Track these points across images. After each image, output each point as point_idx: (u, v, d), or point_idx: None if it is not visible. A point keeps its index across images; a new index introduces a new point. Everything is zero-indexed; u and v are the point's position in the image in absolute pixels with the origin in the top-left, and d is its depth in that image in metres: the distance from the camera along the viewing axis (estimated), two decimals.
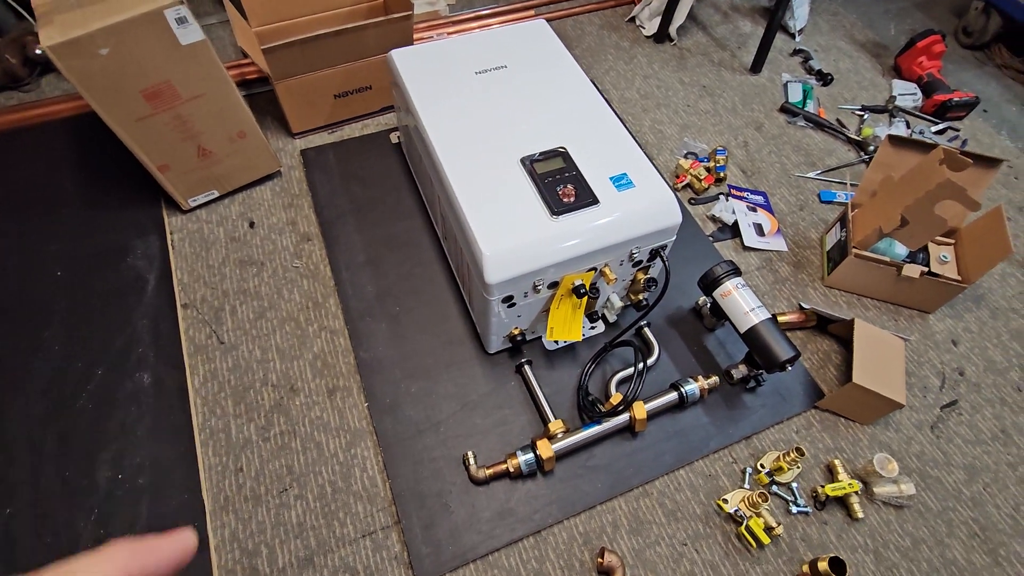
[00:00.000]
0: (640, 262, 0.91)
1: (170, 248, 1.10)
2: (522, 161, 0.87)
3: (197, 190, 1.13)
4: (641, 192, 0.85)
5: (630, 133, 0.93)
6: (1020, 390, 1.03)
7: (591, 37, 1.57)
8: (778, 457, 0.90)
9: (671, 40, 1.56)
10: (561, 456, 0.89)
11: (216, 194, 1.16)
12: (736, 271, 0.94)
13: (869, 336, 0.95)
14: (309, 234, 1.14)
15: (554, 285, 0.86)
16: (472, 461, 0.87)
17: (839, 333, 1.05)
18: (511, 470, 0.85)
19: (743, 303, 0.91)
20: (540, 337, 1.01)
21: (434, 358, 0.99)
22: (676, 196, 0.86)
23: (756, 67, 1.50)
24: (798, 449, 0.87)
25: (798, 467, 0.90)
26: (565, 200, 0.83)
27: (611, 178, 0.86)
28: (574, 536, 0.85)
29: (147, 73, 0.91)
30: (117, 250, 1.08)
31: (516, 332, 0.94)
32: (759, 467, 0.90)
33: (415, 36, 1.45)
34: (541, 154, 0.88)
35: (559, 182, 0.85)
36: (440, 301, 1.05)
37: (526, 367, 0.96)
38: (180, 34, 0.90)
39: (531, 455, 0.85)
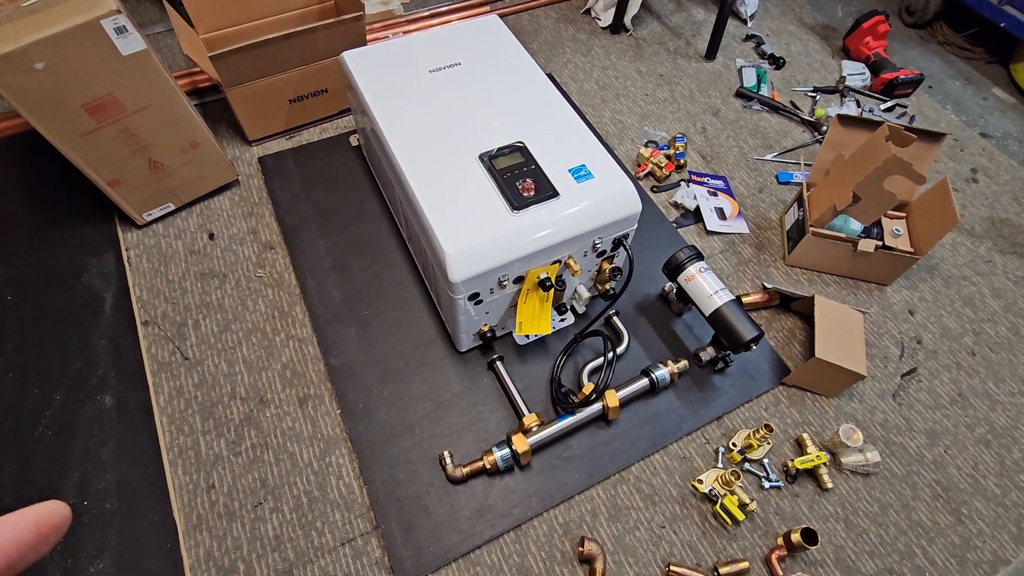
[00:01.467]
0: (604, 252, 0.92)
1: (126, 265, 1.07)
2: (480, 158, 0.87)
3: (151, 204, 1.10)
4: (600, 183, 0.86)
5: (588, 125, 0.94)
6: (974, 354, 1.07)
7: (548, 31, 1.58)
8: (748, 435, 0.92)
9: (627, 30, 1.58)
10: (537, 449, 0.90)
11: (172, 207, 1.13)
12: (698, 255, 0.96)
13: (829, 311, 0.98)
14: (272, 242, 1.12)
15: (520, 280, 0.86)
16: (448, 460, 0.87)
17: (802, 310, 1.08)
18: (488, 467, 0.85)
19: (706, 286, 0.93)
20: (511, 333, 1.01)
21: (405, 360, 0.98)
22: (636, 184, 0.87)
23: (711, 54, 1.52)
24: (767, 426, 0.89)
25: (768, 443, 0.92)
26: (525, 194, 0.83)
27: (570, 170, 0.87)
28: (554, 528, 0.85)
29: (89, 86, 0.88)
30: (70, 270, 1.04)
31: (486, 329, 0.94)
32: (731, 446, 0.92)
33: (370, 36, 1.43)
34: (499, 150, 0.88)
35: (518, 176, 0.85)
36: (409, 303, 1.04)
37: (498, 363, 0.96)
38: (120, 44, 0.87)
39: (507, 450, 0.86)
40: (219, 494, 0.86)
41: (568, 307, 1.03)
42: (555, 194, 0.84)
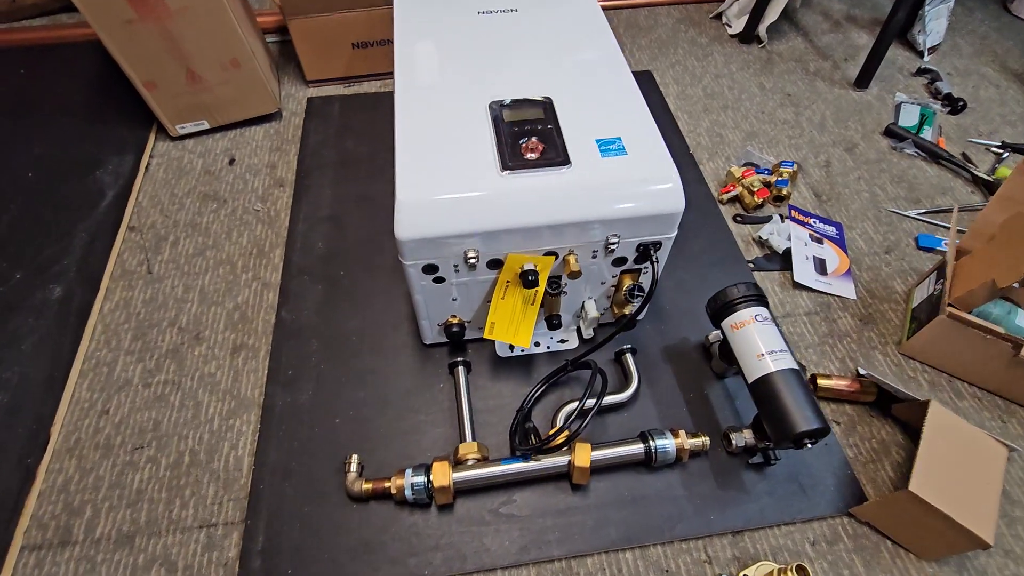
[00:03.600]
0: (624, 260, 0.69)
1: (142, 170, 1.04)
2: (490, 106, 0.69)
3: (186, 117, 1.06)
4: (632, 163, 0.64)
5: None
6: None
7: (664, 29, 1.37)
8: (772, 573, 0.61)
9: (759, 41, 1.32)
10: (466, 490, 0.67)
11: (206, 125, 1.09)
12: (760, 299, 0.69)
13: (949, 429, 0.65)
14: (283, 180, 1.03)
15: (496, 264, 0.66)
16: (353, 468, 0.67)
17: (907, 419, 0.74)
18: (394, 492, 0.65)
19: (759, 342, 0.65)
20: (495, 342, 0.80)
21: (360, 337, 0.81)
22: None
23: (862, 82, 1.21)
24: (800, 568, 0.58)
25: None
26: (526, 155, 0.63)
27: (598, 140, 0.65)
28: None
29: None
30: (90, 162, 1.03)
31: (454, 322, 0.74)
32: None
33: None
34: (515, 101, 0.69)
35: (526, 134, 0.65)
36: (391, 275, 0.88)
37: (460, 368, 0.76)
38: None
39: (422, 478, 0.64)
40: (109, 422, 0.75)
41: (575, 327, 0.80)
42: (564, 162, 0.63)
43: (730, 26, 1.36)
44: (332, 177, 1.02)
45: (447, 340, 0.78)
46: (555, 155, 0.63)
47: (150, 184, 1.02)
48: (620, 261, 0.69)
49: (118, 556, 0.65)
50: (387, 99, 1.15)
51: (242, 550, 0.64)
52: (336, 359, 0.79)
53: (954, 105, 1.16)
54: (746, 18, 1.31)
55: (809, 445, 0.61)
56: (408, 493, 0.64)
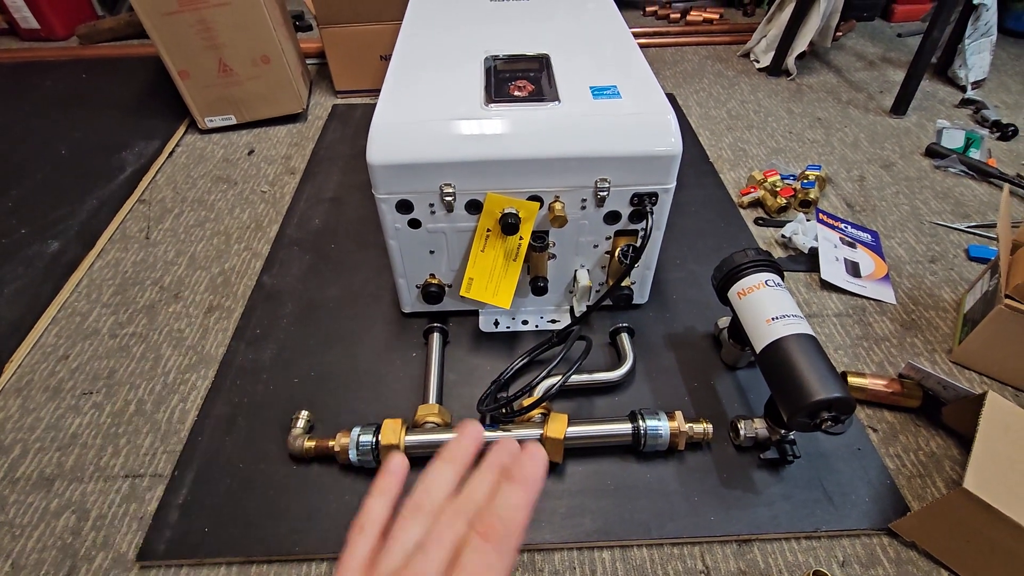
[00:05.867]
0: (618, 216, 0.63)
1: (165, 154, 1.07)
2: (486, 59, 0.67)
3: (215, 110, 1.11)
4: (626, 104, 0.59)
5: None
6: None
7: (690, 63, 1.38)
8: None
9: (788, 74, 1.30)
10: (420, 457, 0.58)
11: (233, 120, 1.13)
12: (772, 265, 0.60)
13: (1009, 422, 0.52)
14: (295, 169, 1.04)
15: (476, 208, 0.61)
16: (299, 424, 0.60)
17: (961, 428, 0.61)
18: (337, 450, 0.57)
19: (768, 306, 0.56)
20: (475, 314, 0.73)
21: (339, 303, 0.77)
22: (675, 120, 0.58)
23: (899, 108, 1.16)
24: (817, 574, 0.45)
25: None
26: (513, 93, 0.60)
27: (592, 87, 0.62)
28: None
29: None
30: (119, 144, 1.07)
31: (433, 281, 0.68)
32: None
33: None
34: (512, 56, 0.68)
35: (517, 78, 0.63)
36: (380, 253, 0.84)
37: (435, 334, 0.69)
38: None
39: (370, 438, 0.56)
40: (65, 368, 0.71)
41: (568, 307, 0.73)
42: (553, 99, 0.59)
43: (758, 61, 1.36)
44: (341, 167, 1.02)
45: (426, 307, 0.72)
46: (544, 94, 0.60)
47: (170, 167, 1.05)
48: (613, 217, 0.63)
49: (31, 499, 0.58)
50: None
51: (160, 503, 0.56)
52: (308, 322, 0.74)
53: (1004, 131, 1.08)
54: (773, 53, 1.30)
55: (829, 423, 0.50)
56: (352, 454, 0.56)
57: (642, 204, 0.61)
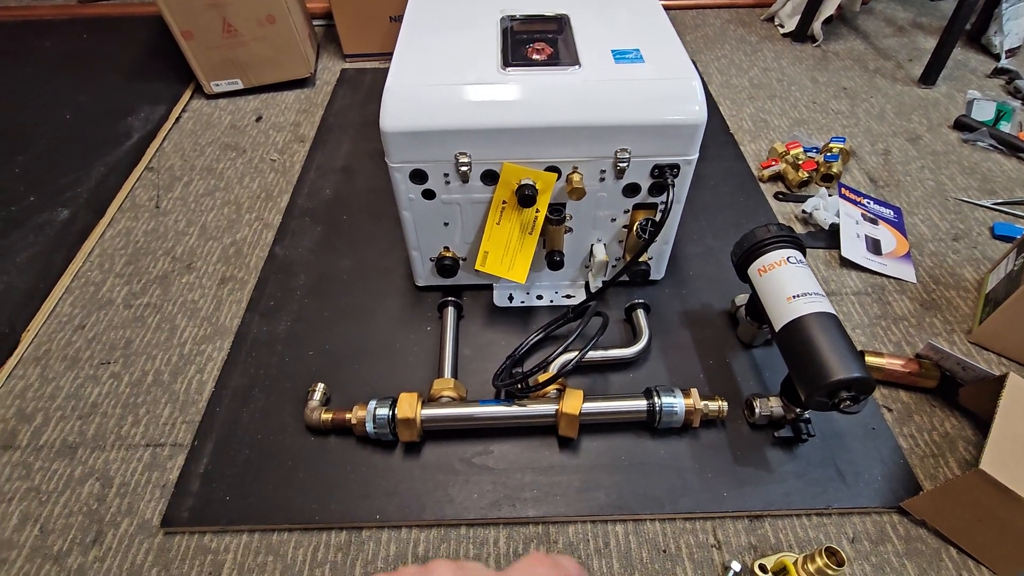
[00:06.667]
0: (637, 189, 0.61)
1: (171, 120, 1.05)
2: (503, 19, 0.65)
3: (221, 74, 1.08)
4: (649, 70, 0.57)
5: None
6: None
7: (712, 28, 1.33)
8: (795, 562, 0.49)
9: (814, 40, 1.25)
10: (437, 433, 0.59)
11: (240, 84, 1.11)
12: (794, 242, 0.59)
13: None
14: (304, 136, 1.02)
15: (492, 179, 0.59)
16: (316, 397, 0.60)
17: (979, 409, 0.61)
18: (354, 422, 0.57)
19: (789, 284, 0.55)
20: (489, 286, 0.73)
21: (351, 276, 0.76)
22: (701, 88, 0.56)
23: (927, 79, 1.11)
24: (830, 551, 0.46)
25: None
26: (531, 56, 0.58)
27: (614, 51, 0.59)
28: (404, 555, 0.52)
29: None
30: (125, 110, 1.05)
31: (447, 255, 0.68)
32: (756, 570, 0.50)
33: None
34: (529, 16, 0.65)
35: (535, 41, 0.60)
36: (392, 224, 0.83)
37: (450, 308, 0.69)
38: None
39: (386, 411, 0.56)
40: (82, 337, 0.71)
41: (583, 283, 0.72)
42: (573, 63, 0.57)
43: (782, 26, 1.30)
44: (352, 135, 1.00)
45: (441, 281, 0.71)
46: (564, 59, 0.58)
47: (177, 133, 1.04)
48: (632, 189, 0.61)
49: (56, 466, 0.59)
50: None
51: (182, 472, 0.57)
52: (322, 294, 0.74)
53: None
54: (799, 17, 1.25)
55: (848, 403, 0.49)
56: (369, 426, 0.56)
57: (663, 176, 0.59)
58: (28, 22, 1.34)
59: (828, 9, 1.20)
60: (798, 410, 0.56)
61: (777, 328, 0.55)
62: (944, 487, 0.50)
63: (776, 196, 0.89)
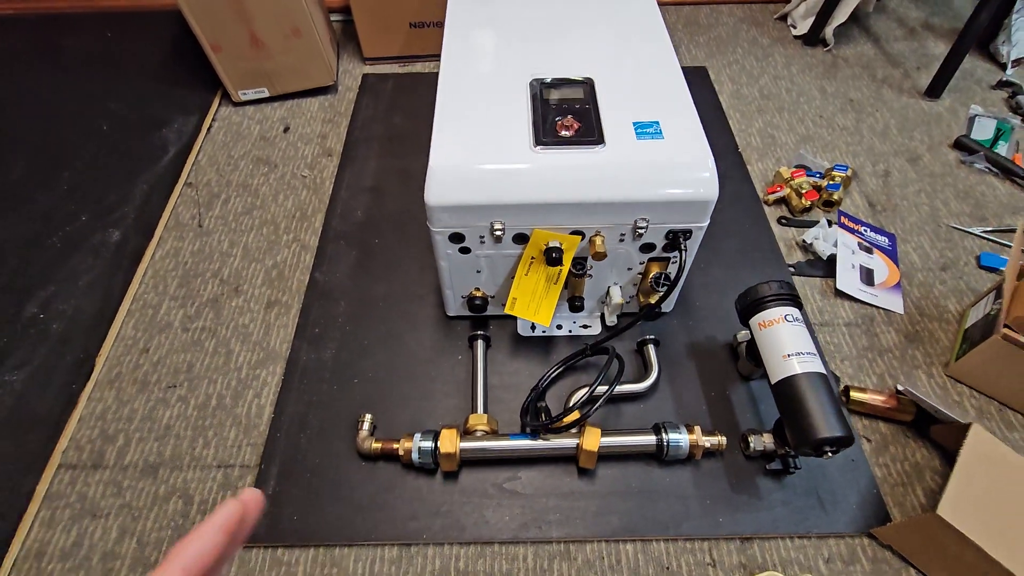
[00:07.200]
0: (652, 247, 0.67)
1: (203, 131, 1.09)
2: (531, 83, 0.69)
3: (248, 84, 1.11)
4: (668, 147, 0.62)
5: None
6: None
7: (724, 27, 1.33)
8: None
9: (825, 45, 1.26)
10: (473, 461, 0.68)
11: (266, 93, 1.14)
12: (793, 299, 0.66)
13: (991, 455, 0.60)
14: (332, 150, 1.06)
15: (522, 240, 0.66)
16: (365, 427, 0.69)
17: (946, 443, 0.69)
18: (401, 453, 0.66)
19: (786, 342, 0.62)
20: (516, 319, 0.80)
21: (387, 304, 0.83)
22: (714, 167, 0.62)
23: (934, 91, 1.14)
24: None
25: None
26: (560, 132, 0.63)
27: (635, 123, 0.64)
28: (448, 570, 0.62)
29: None
30: (159, 120, 1.09)
31: (478, 295, 0.75)
32: None
33: None
34: (556, 80, 0.69)
35: (563, 112, 0.65)
36: (422, 247, 0.89)
37: (479, 341, 0.76)
38: None
39: (430, 443, 0.65)
40: (148, 360, 0.79)
41: (599, 314, 0.79)
42: (598, 141, 0.62)
43: (795, 27, 1.31)
44: (377, 150, 1.05)
45: (470, 313, 0.78)
46: (589, 135, 0.63)
47: (210, 145, 1.08)
48: (648, 247, 0.67)
49: (142, 484, 0.69)
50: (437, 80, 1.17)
51: None
52: (361, 322, 0.81)
53: None
54: (812, 19, 1.25)
55: (830, 454, 0.58)
56: (415, 456, 0.65)
57: (676, 239, 0.65)
58: (47, 16, 1.34)
59: (841, 16, 1.21)
60: (787, 448, 0.65)
61: (773, 381, 0.62)
62: (908, 522, 0.60)
63: (779, 221, 0.94)
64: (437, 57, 1.22)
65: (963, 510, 0.56)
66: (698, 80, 1.18)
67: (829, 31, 1.24)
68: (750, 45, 1.29)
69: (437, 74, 0.72)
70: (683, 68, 0.72)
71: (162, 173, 1.01)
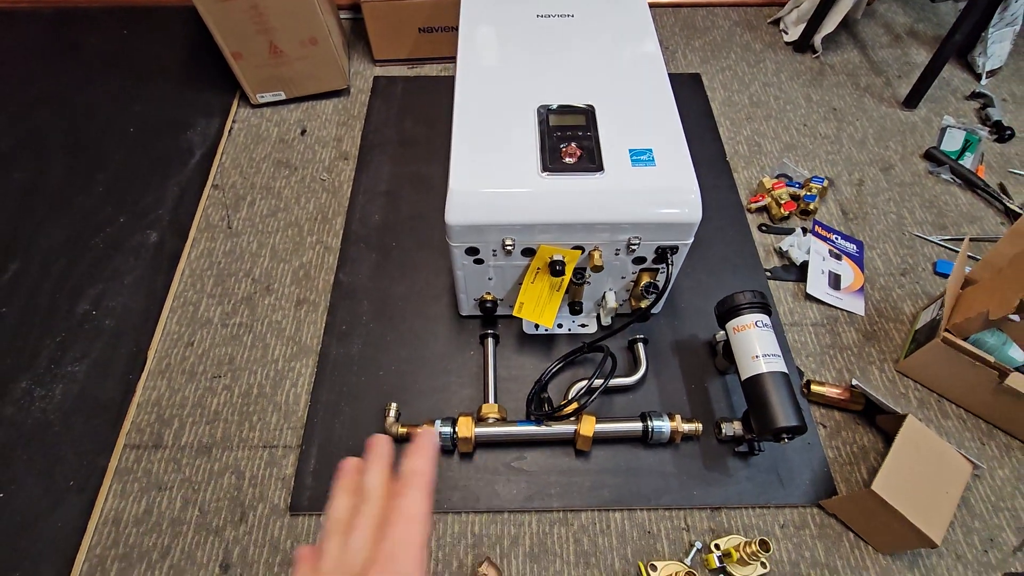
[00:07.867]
0: (643, 260, 0.77)
1: (226, 133, 1.16)
2: (538, 110, 0.77)
3: (266, 87, 1.18)
4: (659, 174, 0.71)
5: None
6: None
7: (720, 31, 1.40)
8: (740, 545, 0.71)
9: (814, 52, 1.34)
10: (485, 443, 0.79)
11: (283, 96, 1.20)
12: (764, 307, 0.76)
13: (920, 442, 0.72)
14: (347, 154, 1.14)
15: (529, 253, 0.75)
16: (391, 414, 0.80)
17: (888, 430, 0.81)
18: None
19: (755, 345, 0.73)
20: (522, 320, 0.90)
21: (404, 302, 0.93)
22: (699, 192, 0.71)
23: (911, 101, 1.22)
24: (763, 543, 0.68)
25: (762, 567, 0.70)
26: (564, 159, 0.72)
27: (631, 150, 0.73)
28: (465, 534, 0.74)
29: None
30: (183, 123, 1.16)
31: (489, 298, 0.84)
32: (712, 547, 0.72)
33: None
34: (561, 107, 0.77)
35: (567, 139, 0.73)
36: (436, 250, 0.98)
37: (489, 339, 0.86)
38: None
39: (449, 429, 0.76)
40: (193, 353, 0.89)
41: (595, 314, 0.89)
42: (598, 169, 0.71)
43: (786, 33, 1.38)
44: (391, 155, 1.12)
45: (480, 314, 0.88)
46: (590, 162, 0.71)
47: (232, 147, 1.15)
48: (640, 260, 0.77)
49: (198, 461, 0.79)
50: (446, 83, 1.24)
51: (297, 469, 0.78)
52: (383, 319, 0.91)
53: (1001, 133, 1.17)
54: (803, 27, 1.32)
55: (787, 440, 0.69)
56: (437, 439, 0.76)
57: (664, 254, 0.75)
58: (64, 11, 1.38)
59: (829, 26, 1.28)
60: (752, 434, 0.76)
61: (743, 377, 0.73)
62: (849, 495, 0.72)
63: (760, 228, 1.04)
64: (445, 60, 1.30)
65: (893, 486, 0.67)
66: (693, 87, 1.25)
67: (818, 40, 1.31)
68: (743, 51, 1.36)
69: (445, 77, 0.79)
70: (678, 75, 0.81)
71: (191, 175, 1.08)
